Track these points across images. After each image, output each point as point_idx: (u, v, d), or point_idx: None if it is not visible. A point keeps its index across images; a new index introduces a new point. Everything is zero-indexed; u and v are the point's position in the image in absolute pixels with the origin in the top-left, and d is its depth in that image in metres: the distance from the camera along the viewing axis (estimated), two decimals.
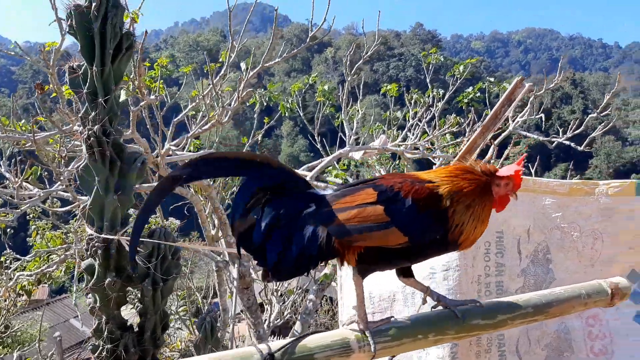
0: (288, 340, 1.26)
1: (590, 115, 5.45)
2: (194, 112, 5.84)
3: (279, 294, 7.86)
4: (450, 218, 1.31)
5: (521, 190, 2.11)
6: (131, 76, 3.97)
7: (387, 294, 2.08)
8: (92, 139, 2.24)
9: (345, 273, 2.20)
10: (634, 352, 2.14)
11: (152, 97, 4.34)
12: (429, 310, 1.51)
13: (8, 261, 5.83)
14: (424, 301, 1.52)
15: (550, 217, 2.15)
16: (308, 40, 4.71)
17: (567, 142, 5.59)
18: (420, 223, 1.29)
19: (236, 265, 7.00)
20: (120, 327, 2.49)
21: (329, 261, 1.37)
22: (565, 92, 60.68)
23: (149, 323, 2.51)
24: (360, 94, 7.20)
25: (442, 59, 8.07)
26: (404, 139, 7.11)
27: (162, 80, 5.85)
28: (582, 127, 5.42)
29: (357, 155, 6.81)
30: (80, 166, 2.31)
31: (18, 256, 5.55)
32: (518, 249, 2.14)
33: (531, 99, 5.93)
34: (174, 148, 5.19)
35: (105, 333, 2.44)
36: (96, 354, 2.49)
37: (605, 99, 5.21)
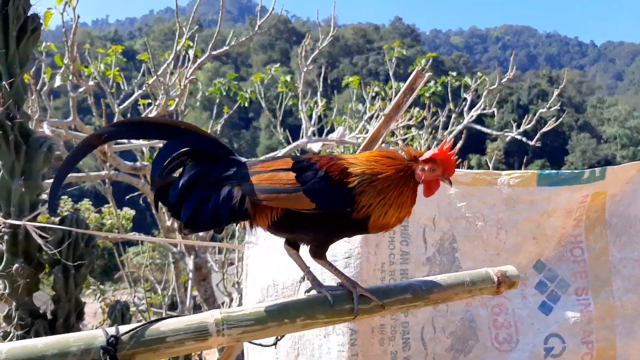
0: (139, 324, 1.24)
1: (540, 110, 5.53)
2: (149, 101, 5.75)
3: (239, 285, 7.83)
4: (358, 197, 1.34)
5: None
6: (66, 62, 3.89)
7: (291, 282, 2.07)
8: None
9: (251, 260, 2.19)
10: (537, 340, 2.18)
11: (92, 82, 4.25)
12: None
13: None
14: (302, 279, 1.53)
15: (455, 207, 2.17)
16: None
17: (519, 137, 5.68)
18: (328, 194, 1.34)
19: (192, 257, 6.95)
20: (32, 314, 2.44)
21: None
22: (542, 89, 61.63)
23: (61, 310, 2.47)
24: (320, 86, 7.18)
25: (405, 53, 8.08)
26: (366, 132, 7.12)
27: (117, 68, 5.76)
28: (533, 122, 5.50)
29: (316, 147, 6.79)
30: None
31: None
32: (424, 237, 2.15)
33: (484, 93, 6.00)
34: None
35: (16, 320, 2.39)
36: (6, 340, 2.43)
37: (555, 93, 5.28)
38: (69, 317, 2.51)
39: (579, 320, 2.15)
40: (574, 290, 2.20)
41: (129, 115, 5.60)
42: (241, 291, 8.57)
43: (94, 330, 1.20)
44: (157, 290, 9.01)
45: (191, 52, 5.13)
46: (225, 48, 4.98)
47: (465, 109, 6.34)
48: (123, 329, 1.21)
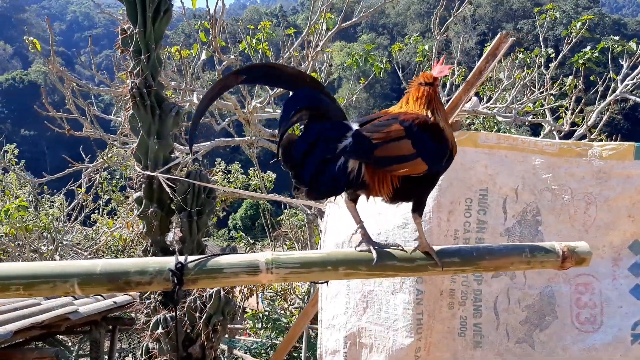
0: (204, 256, 1.51)
1: None
2: None
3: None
4: (447, 137, 1.49)
5: (509, 149, 2.11)
6: (210, 38, 4.39)
7: None
8: (134, 90, 2.65)
9: (330, 218, 2.37)
10: (624, 324, 2.03)
11: (232, 57, 4.73)
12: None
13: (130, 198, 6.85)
14: (355, 232, 1.65)
15: (541, 178, 2.09)
16: None
17: None
18: (436, 151, 1.48)
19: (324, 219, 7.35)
20: (163, 250, 2.94)
21: None
22: None
23: (186, 250, 2.94)
24: (457, 54, 6.93)
25: (557, 15, 7.36)
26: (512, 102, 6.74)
27: (266, 43, 6.27)
28: None
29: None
30: (129, 114, 2.75)
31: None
32: (504, 207, 2.12)
33: None
34: (259, 105, 5.60)
35: (150, 254, 2.91)
36: None
37: None
38: (192, 255, 2.96)
39: None
40: None
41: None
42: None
43: (167, 257, 1.50)
44: (297, 248, 9.76)
45: (324, 25, 5.38)
46: (354, 19, 5.12)
47: (620, 77, 5.65)
48: (190, 258, 1.49)
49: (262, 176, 7.86)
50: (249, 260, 1.51)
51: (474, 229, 2.14)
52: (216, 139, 6.15)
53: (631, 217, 2.02)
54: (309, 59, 4.92)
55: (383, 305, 2.16)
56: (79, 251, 8.29)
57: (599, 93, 6.59)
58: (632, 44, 6.67)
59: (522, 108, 6.41)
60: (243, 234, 11.45)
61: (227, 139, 6.40)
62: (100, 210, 8.33)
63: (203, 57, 4.48)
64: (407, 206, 2.01)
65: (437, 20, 6.05)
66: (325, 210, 2.37)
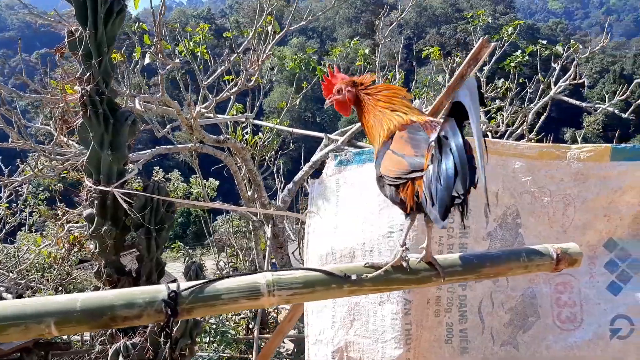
0: (199, 281, 1.37)
1: (636, 80, 5.07)
2: (232, 77, 5.98)
3: None
4: None
5: (490, 153, 2.09)
6: (154, 40, 4.15)
7: (348, 250, 2.14)
8: (85, 97, 2.42)
9: (312, 229, 2.27)
10: (602, 321, 2.09)
11: (177, 60, 4.51)
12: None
13: (61, 213, 6.36)
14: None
15: (521, 181, 2.11)
16: None
17: (611, 109, 5.25)
18: None
19: (270, 225, 7.24)
20: (118, 271, 2.71)
21: None
22: None
23: (144, 269, 2.72)
24: (398, 59, 7.04)
25: (489, 21, 7.69)
26: None
27: (204, 46, 6.03)
28: (627, 93, 5.05)
29: None
30: (78, 123, 2.50)
31: (67, 209, 6.05)
32: (485, 211, 2.12)
33: (574, 62, 5.59)
34: (204, 110, 5.38)
35: (104, 276, 2.67)
36: None
37: None
38: (151, 275, 2.76)
39: None
40: None
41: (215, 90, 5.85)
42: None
43: (157, 286, 1.35)
44: (240, 255, 9.53)
45: (269, 28, 5.26)
46: (302, 23, 5.05)
47: (553, 79, 5.97)
48: (184, 285, 1.34)
49: (205, 184, 7.59)
50: (249, 283, 1.39)
51: (457, 235, 2.12)
52: (157, 147, 5.85)
53: (607, 217, 2.08)
54: (259, 63, 4.78)
55: (370, 317, 2.09)
56: (0, 271, 7.62)
57: (528, 95, 6.94)
58: (559, 48, 7.10)
59: None
60: (181, 244, 11.05)
61: (169, 147, 6.10)
62: (27, 226, 7.69)
63: (147, 60, 4.22)
64: (392, 214, 1.95)
65: (381, 25, 6.11)
66: (307, 221, 2.27)
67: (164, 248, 2.87)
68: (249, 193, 6.94)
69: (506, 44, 7.11)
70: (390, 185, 1.35)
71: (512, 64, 7.17)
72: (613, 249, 2.13)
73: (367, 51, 7.70)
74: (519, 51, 7.41)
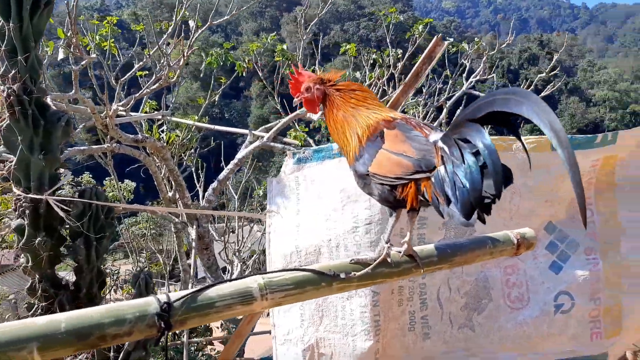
0: (190, 290, 1.30)
1: (539, 75, 5.55)
2: (146, 72, 5.70)
3: (241, 254, 7.96)
4: None
5: None
6: (69, 34, 3.83)
7: (313, 248, 2.14)
8: (12, 97, 2.18)
9: (273, 228, 2.25)
10: (547, 298, 2.28)
11: (93, 55, 4.20)
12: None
13: None
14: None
15: None
16: None
17: None
18: None
19: (194, 226, 7.01)
20: (55, 285, 2.49)
21: None
22: (532, 53, 61.25)
23: (84, 281, 2.52)
24: (319, 54, 7.11)
25: (402, 19, 7.99)
26: None
27: (112, 39, 5.67)
28: (532, 87, 5.53)
29: (315, 115, 6.79)
30: (3, 126, 2.25)
31: None
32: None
33: (484, 58, 6.00)
34: (121, 109, 5.08)
35: (40, 292, 2.44)
36: (31, 312, 2.50)
37: (554, 59, 5.30)
38: (91, 287, 2.57)
39: (588, 278, 2.25)
40: (583, 250, 2.29)
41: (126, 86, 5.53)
42: (242, 259, 8.61)
43: (145, 298, 1.26)
44: (156, 259, 9.13)
45: (192, 23, 5.07)
46: (225, 17, 4.92)
47: (464, 75, 6.35)
48: (174, 296, 1.27)
49: (120, 186, 7.17)
50: (241, 288, 1.34)
51: (415, 226, 2.20)
52: (69, 149, 5.42)
53: (548, 202, 2.26)
54: (185, 57, 4.59)
55: (339, 312, 2.11)
56: None
57: (437, 90, 7.33)
58: (465, 45, 7.56)
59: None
60: None
61: (82, 148, 5.68)
62: None
63: (61, 55, 3.89)
64: (356, 210, 1.98)
65: (302, 21, 6.12)
66: (267, 221, 2.23)
67: (103, 258, 2.68)
68: (170, 194, 6.67)
69: (417, 41, 7.44)
70: (383, 184, 1.36)
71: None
72: (552, 232, 2.32)
73: (285, 47, 7.69)
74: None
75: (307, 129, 7.47)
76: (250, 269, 7.73)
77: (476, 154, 1.15)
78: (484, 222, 1.18)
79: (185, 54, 4.62)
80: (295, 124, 6.89)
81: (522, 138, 2.19)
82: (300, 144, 6.55)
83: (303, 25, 7.05)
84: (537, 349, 2.24)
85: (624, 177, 2.28)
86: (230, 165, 6.49)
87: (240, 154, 6.41)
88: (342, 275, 1.47)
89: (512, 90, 1.16)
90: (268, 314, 2.49)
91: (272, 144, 6.22)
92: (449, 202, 1.18)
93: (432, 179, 1.21)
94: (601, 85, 59.60)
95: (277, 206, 2.23)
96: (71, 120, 2.41)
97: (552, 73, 5.66)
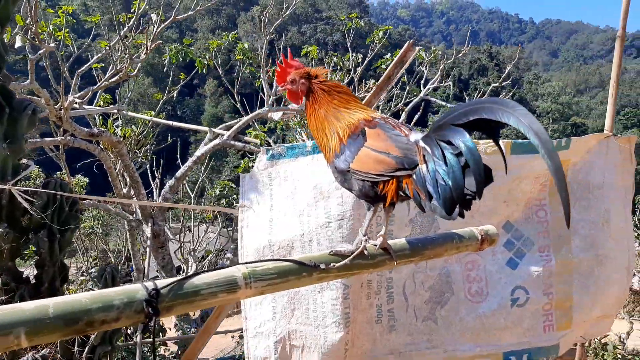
0: (177, 278, 1.32)
1: (492, 85, 5.81)
2: (102, 65, 5.58)
3: (196, 253, 7.87)
4: None
5: None
6: (27, 21, 3.70)
7: (286, 242, 2.18)
8: None
9: (245, 223, 2.27)
10: (504, 292, 2.41)
11: (52, 44, 4.08)
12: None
13: None
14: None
15: None
16: None
17: None
18: None
19: (150, 224, 6.88)
20: (16, 279, 2.42)
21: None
22: (482, 64, 63.53)
23: (46, 275, 2.47)
24: (280, 54, 7.13)
25: (363, 24, 8.15)
26: None
27: (67, 30, 5.50)
28: (485, 96, 5.78)
29: (276, 115, 6.81)
30: None
31: None
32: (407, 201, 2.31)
33: (441, 67, 6.22)
34: (78, 101, 4.93)
35: (0, 285, 2.37)
36: None
37: (507, 69, 5.56)
38: (54, 281, 2.51)
39: (542, 274, 2.41)
40: (537, 248, 2.45)
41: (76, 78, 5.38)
42: (197, 258, 8.50)
43: (133, 285, 1.27)
44: (105, 258, 8.87)
45: (154, 16, 5.00)
46: (190, 13, 4.88)
47: (422, 81, 6.55)
48: (161, 283, 1.28)
49: (72, 181, 6.93)
50: (226, 276, 1.38)
51: (384, 222, 2.28)
52: None
53: (506, 202, 2.40)
54: (148, 50, 4.52)
55: (311, 304, 2.16)
56: None
57: (395, 95, 7.53)
58: (422, 53, 7.80)
59: None
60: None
61: (34, 140, 5.47)
62: None
63: (18, 44, 3.75)
64: (328, 206, 2.05)
65: (266, 20, 6.14)
66: (239, 215, 2.24)
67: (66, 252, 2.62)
68: (125, 190, 6.51)
69: (377, 47, 7.61)
70: (364, 180, 1.42)
71: (383, 66, 7.71)
72: (510, 230, 2.46)
73: (246, 45, 7.68)
74: (388, 54, 7.99)
75: (265, 129, 7.49)
76: (205, 269, 7.64)
77: (459, 155, 1.22)
78: (463, 217, 1.27)
79: (148, 47, 4.55)
80: (255, 123, 6.90)
81: (486, 141, 2.33)
82: (260, 143, 6.56)
83: (265, 23, 7.06)
84: (494, 341, 2.38)
85: (575, 180, 2.45)
86: (188, 162, 6.42)
87: (199, 151, 6.35)
88: (322, 266, 1.52)
89: (499, 101, 1.24)
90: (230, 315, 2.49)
91: (232, 142, 6.20)
92: (430, 198, 1.26)
93: (414, 176, 1.28)
94: (545, 97, 62.55)
95: (250, 201, 2.26)
96: (37, 109, 2.35)
97: (503, 84, 5.94)
